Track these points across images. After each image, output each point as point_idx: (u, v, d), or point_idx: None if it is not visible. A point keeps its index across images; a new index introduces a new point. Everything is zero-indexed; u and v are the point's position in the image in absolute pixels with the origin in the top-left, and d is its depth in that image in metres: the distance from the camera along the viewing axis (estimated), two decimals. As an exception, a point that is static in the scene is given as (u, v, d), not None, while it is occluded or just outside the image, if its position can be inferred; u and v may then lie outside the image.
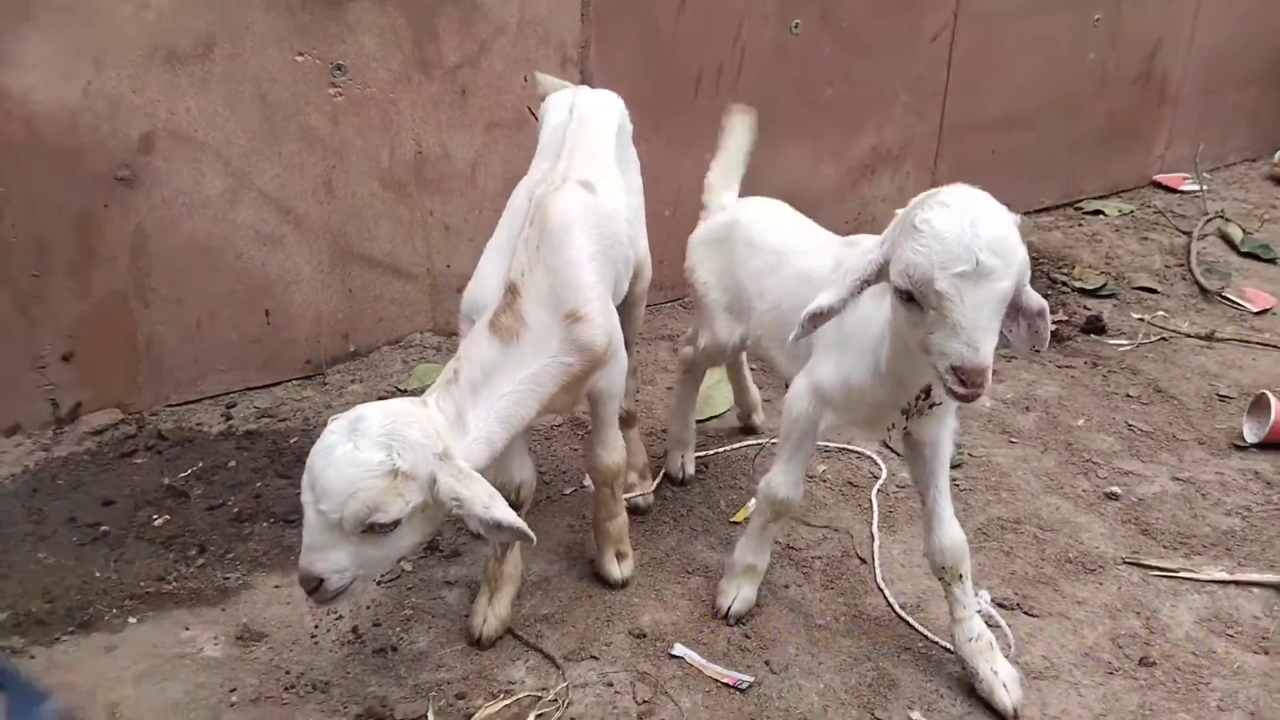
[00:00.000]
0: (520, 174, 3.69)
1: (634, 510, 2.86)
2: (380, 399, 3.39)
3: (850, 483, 3.06)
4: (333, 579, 1.88)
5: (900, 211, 1.95)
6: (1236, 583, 2.61)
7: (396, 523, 1.86)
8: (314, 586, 1.89)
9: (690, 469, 3.07)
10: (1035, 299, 1.93)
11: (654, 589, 2.60)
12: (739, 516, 2.90)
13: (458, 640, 2.42)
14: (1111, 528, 2.86)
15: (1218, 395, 3.62)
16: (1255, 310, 4.32)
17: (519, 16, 3.58)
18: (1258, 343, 4.01)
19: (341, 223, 3.48)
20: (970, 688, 2.24)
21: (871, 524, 2.85)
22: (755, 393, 3.32)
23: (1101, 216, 5.44)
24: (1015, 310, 1.91)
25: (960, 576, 2.25)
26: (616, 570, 2.59)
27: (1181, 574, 2.65)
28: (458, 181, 3.67)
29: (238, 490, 3.00)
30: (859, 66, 4.46)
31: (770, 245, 2.54)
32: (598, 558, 2.61)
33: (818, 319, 2.00)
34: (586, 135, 2.43)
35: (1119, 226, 5.29)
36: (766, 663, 2.35)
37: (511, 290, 2.10)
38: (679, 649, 2.37)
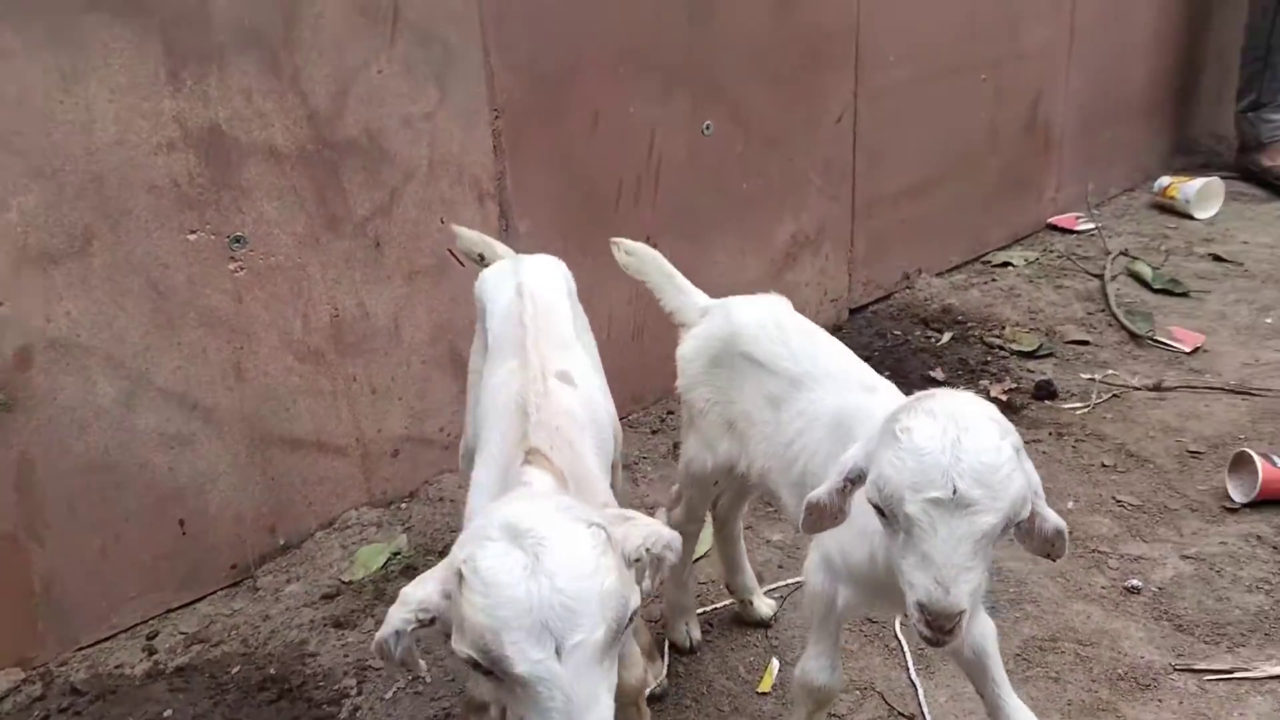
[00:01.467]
0: (447, 321, 3.45)
1: (651, 699, 2.56)
2: (325, 595, 3.06)
3: (868, 619, 2.84)
4: None
5: (889, 412, 1.72)
6: (1293, 676, 2.49)
7: None
8: None
9: (696, 634, 2.78)
10: (1053, 521, 1.71)
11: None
12: (765, 685, 2.63)
13: None
14: (1147, 630, 2.71)
15: (1188, 452, 3.57)
16: (1188, 350, 4.35)
17: (429, 157, 3.29)
18: (1205, 388, 4.01)
19: (255, 407, 3.09)
20: None
21: (908, 669, 2.63)
22: (750, 574, 2.85)
23: (1011, 267, 5.46)
24: (1030, 531, 1.69)
25: None
26: (656, 788, 2.28)
27: (1236, 674, 2.51)
28: (380, 340, 3.33)
29: (181, 747, 2.56)
30: (771, 157, 4.34)
31: (782, 369, 2.24)
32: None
33: (812, 511, 1.77)
34: (546, 318, 2.17)
35: (1030, 276, 5.32)
36: None
37: (541, 454, 1.77)
38: None
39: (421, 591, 1.53)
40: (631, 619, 1.42)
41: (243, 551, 3.15)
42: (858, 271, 4.95)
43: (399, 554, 3.25)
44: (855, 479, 1.72)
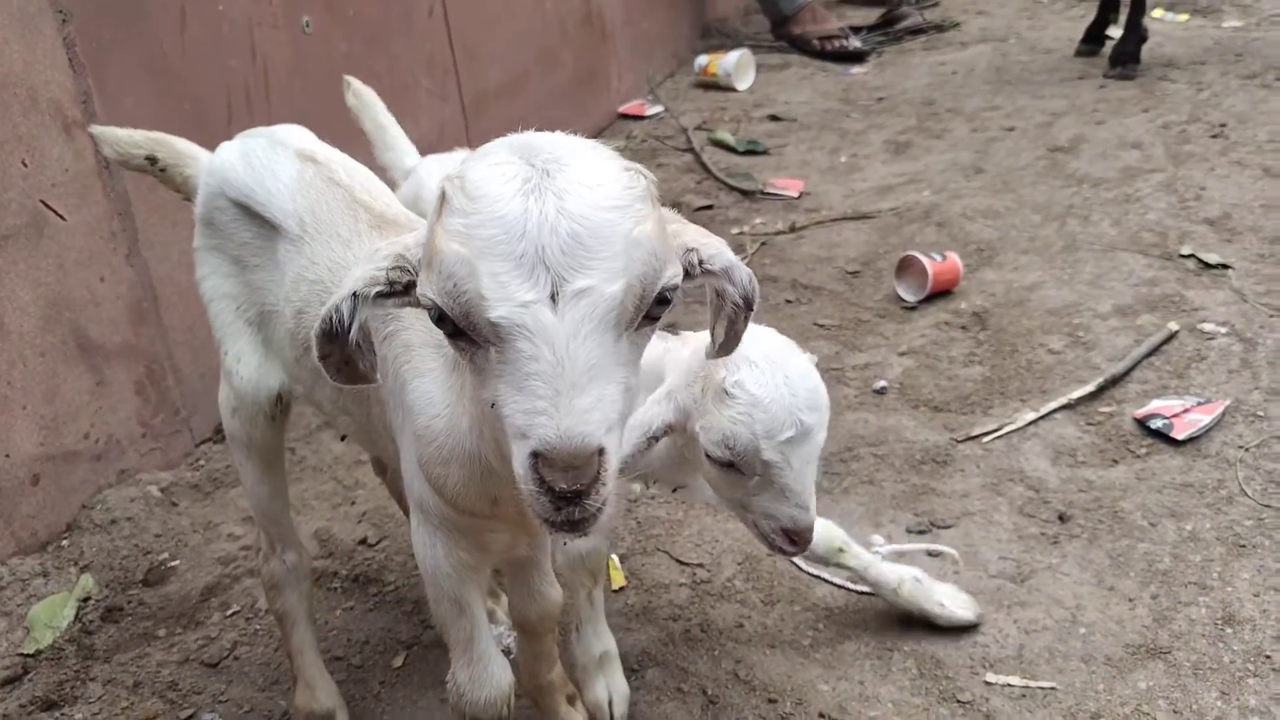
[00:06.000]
0: (60, 295, 2.66)
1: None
2: (8, 680, 2.25)
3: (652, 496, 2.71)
4: None
5: (684, 352, 1.77)
6: (1042, 417, 2.80)
7: None
8: None
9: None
10: None
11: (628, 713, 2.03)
12: (618, 581, 2.39)
13: None
14: (914, 417, 2.90)
15: (847, 273, 3.88)
16: (796, 195, 4.72)
17: (-14, 76, 2.43)
18: (830, 220, 4.37)
19: None
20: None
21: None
22: None
23: (606, 157, 5.53)
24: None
25: (841, 549, 2.11)
26: (578, 717, 1.96)
27: (1005, 430, 2.77)
28: (-24, 333, 2.45)
29: None
30: (377, 58, 3.90)
31: None
32: (548, 717, 1.95)
33: (631, 467, 1.76)
34: (362, 174, 1.77)
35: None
36: (821, 715, 1.96)
37: None
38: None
39: (398, 244, 1.17)
40: (665, 300, 1.09)
41: None
42: (477, 179, 4.68)
43: (89, 599, 2.48)
44: (662, 433, 1.71)
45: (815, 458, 1.65)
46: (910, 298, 3.58)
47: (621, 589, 2.38)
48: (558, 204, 1.01)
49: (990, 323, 3.35)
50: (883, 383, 3.08)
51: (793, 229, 4.32)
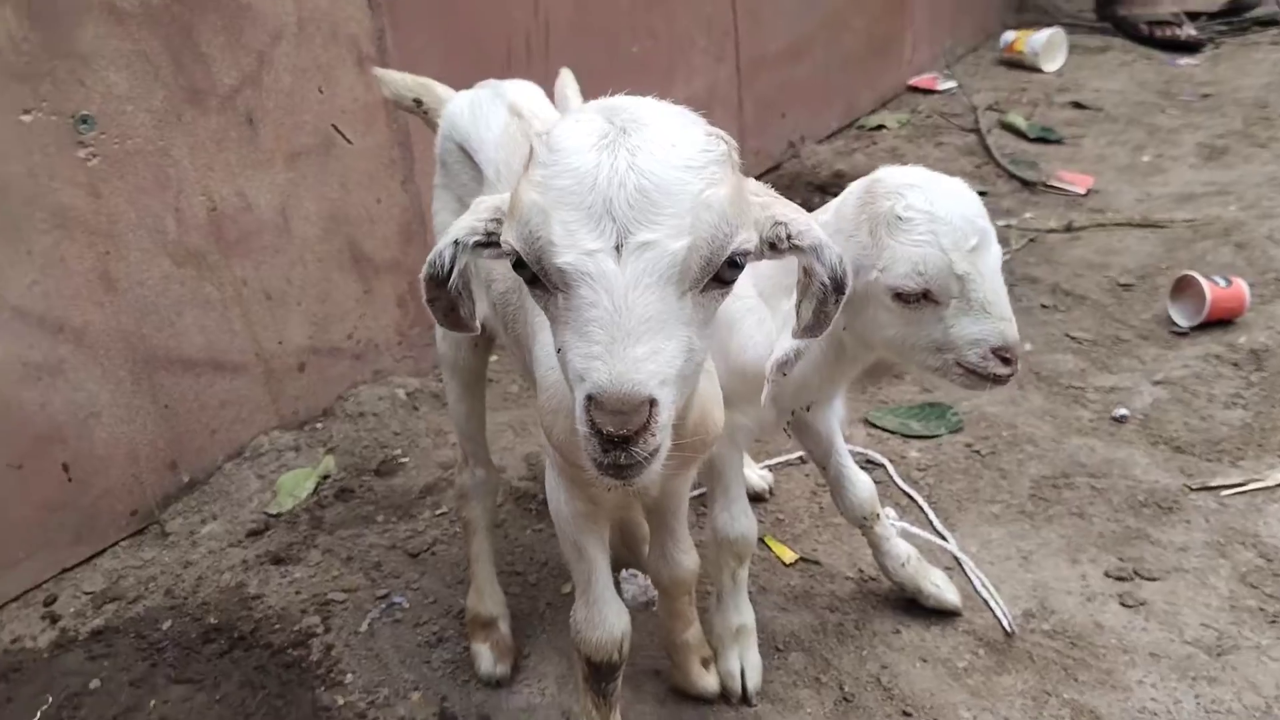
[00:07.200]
0: (340, 211, 2.96)
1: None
2: (252, 532, 2.61)
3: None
4: None
5: (826, 218, 1.71)
6: (1300, 478, 2.50)
7: None
8: None
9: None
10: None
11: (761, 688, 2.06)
12: (789, 556, 2.41)
13: None
14: (1149, 455, 2.66)
15: (1119, 284, 3.58)
16: (1082, 192, 4.39)
17: (297, 14, 2.75)
18: (1113, 224, 4.04)
19: (135, 323, 2.55)
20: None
21: (929, 520, 2.48)
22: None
23: (886, 130, 5.37)
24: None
25: (877, 515, 2.13)
26: (710, 679, 2.02)
27: (1250, 486, 2.49)
28: (268, 235, 2.82)
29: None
30: (655, 15, 4.00)
31: None
32: (680, 676, 2.03)
33: (789, 367, 1.68)
34: None
35: (908, 137, 5.24)
36: (954, 743, 1.91)
37: None
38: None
39: (499, 199, 1.25)
40: (736, 263, 1.12)
41: (142, 494, 2.63)
42: (747, 141, 4.70)
43: (328, 477, 2.82)
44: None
45: (999, 269, 1.63)
46: (1183, 322, 3.26)
47: (793, 564, 2.39)
48: (629, 159, 1.06)
49: (1268, 364, 2.98)
50: (1124, 411, 2.84)
51: (1068, 228, 4.03)
